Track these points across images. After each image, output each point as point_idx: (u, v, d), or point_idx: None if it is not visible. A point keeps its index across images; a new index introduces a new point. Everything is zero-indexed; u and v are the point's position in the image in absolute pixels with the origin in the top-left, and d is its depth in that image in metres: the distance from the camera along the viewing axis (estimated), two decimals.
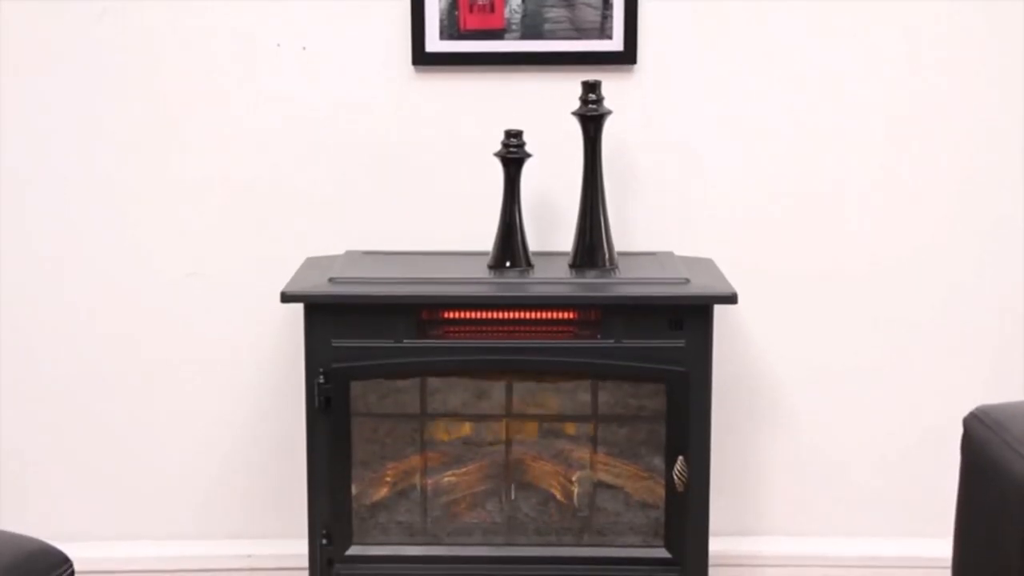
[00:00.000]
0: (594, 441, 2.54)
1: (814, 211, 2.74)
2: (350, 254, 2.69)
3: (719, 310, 2.59)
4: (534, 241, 2.61)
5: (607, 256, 2.53)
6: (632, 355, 2.40)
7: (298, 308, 2.43)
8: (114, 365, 2.77)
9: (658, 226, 2.74)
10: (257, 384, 2.78)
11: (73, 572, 1.77)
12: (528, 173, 2.56)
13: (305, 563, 2.52)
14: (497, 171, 2.53)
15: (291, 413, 2.71)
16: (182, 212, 2.73)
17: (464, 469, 2.55)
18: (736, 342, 2.76)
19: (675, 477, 2.41)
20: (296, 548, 2.68)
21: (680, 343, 2.40)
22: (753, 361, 2.78)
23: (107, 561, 2.77)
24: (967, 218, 2.74)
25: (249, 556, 2.80)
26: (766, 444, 2.81)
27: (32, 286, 2.75)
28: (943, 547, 2.19)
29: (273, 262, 2.68)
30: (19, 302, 2.75)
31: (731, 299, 2.39)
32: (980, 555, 1.49)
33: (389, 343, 2.40)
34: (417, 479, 2.54)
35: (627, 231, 2.71)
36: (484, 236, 2.58)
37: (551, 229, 2.72)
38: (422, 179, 2.73)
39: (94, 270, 2.75)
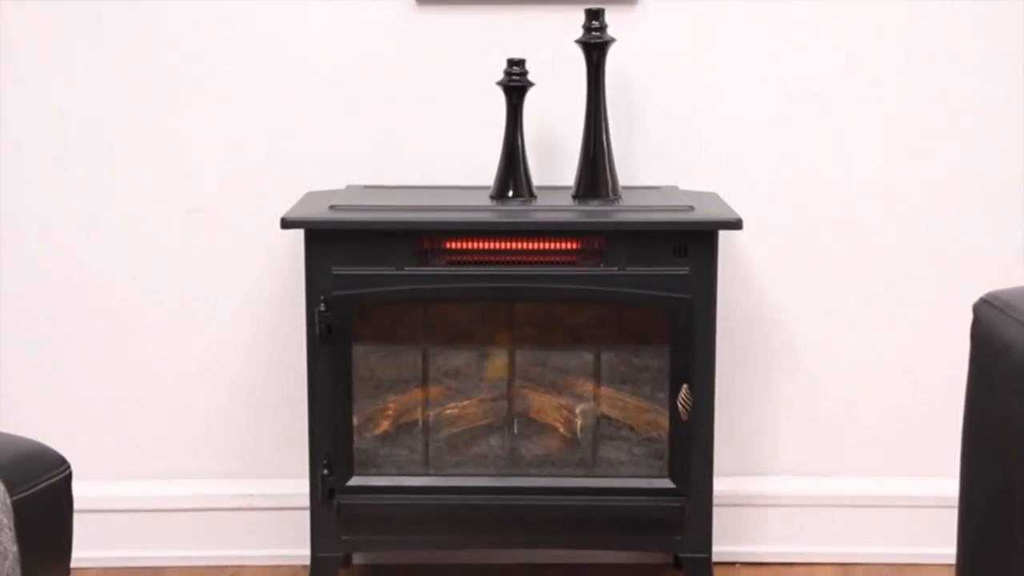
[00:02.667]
0: (597, 375, 2.51)
1: (821, 144, 2.72)
2: (351, 188, 2.67)
3: (724, 246, 2.57)
4: (537, 178, 2.59)
5: (610, 186, 2.51)
6: (636, 283, 2.38)
7: (299, 245, 2.41)
8: (114, 304, 2.75)
9: (662, 161, 2.71)
10: (258, 322, 2.76)
11: (70, 474, 1.75)
12: (530, 110, 2.54)
13: (306, 503, 2.50)
14: (500, 109, 2.51)
15: (292, 352, 2.69)
16: (183, 149, 2.71)
17: (466, 403, 2.53)
18: (740, 279, 2.74)
19: (679, 406, 2.39)
20: (296, 487, 2.67)
21: (684, 270, 2.37)
22: (757, 298, 2.76)
23: (106, 500, 2.75)
24: (974, 149, 2.71)
25: (249, 495, 2.78)
26: (771, 383, 2.79)
27: (32, 225, 2.73)
28: (950, 486, 2.17)
29: (274, 197, 2.66)
30: (18, 241, 2.73)
31: (736, 224, 2.36)
32: (990, 443, 1.47)
33: (390, 271, 2.38)
34: (419, 412, 2.52)
35: (631, 166, 2.69)
36: (487, 173, 2.56)
37: (554, 167, 2.70)
38: (424, 115, 2.71)
39: (96, 208, 2.73)
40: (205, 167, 2.72)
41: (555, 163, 2.70)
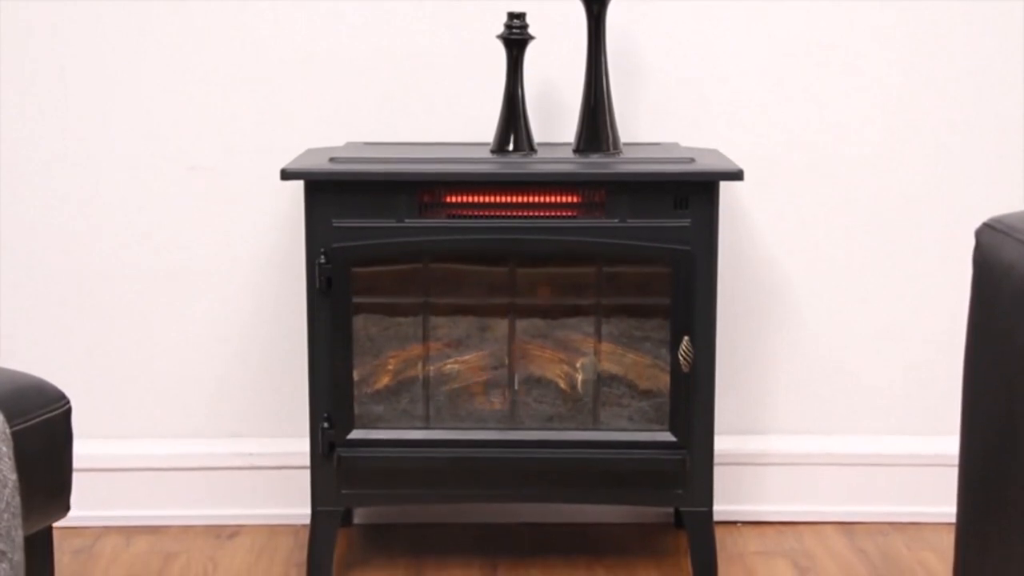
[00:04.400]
0: (598, 329, 2.51)
1: (822, 101, 2.71)
2: (351, 144, 2.66)
3: (726, 205, 2.57)
4: (537, 136, 2.58)
5: (611, 140, 2.50)
6: (637, 235, 2.38)
7: (300, 204, 2.41)
8: (114, 263, 2.75)
9: (663, 119, 2.71)
10: (259, 281, 2.76)
11: (70, 409, 1.75)
12: (531, 68, 2.53)
13: (306, 462, 2.50)
14: (500, 64, 2.50)
15: (293, 311, 2.69)
16: (183, 107, 2.71)
17: (466, 357, 2.53)
18: (741, 238, 2.73)
19: (680, 358, 2.38)
20: (297, 446, 2.66)
21: (685, 222, 2.37)
22: (758, 257, 2.75)
23: (106, 459, 2.75)
24: (979, 106, 2.71)
25: (250, 454, 2.77)
26: (772, 341, 2.78)
27: (33, 184, 2.72)
28: (952, 444, 2.17)
29: (274, 155, 2.65)
30: (20, 199, 2.73)
31: (737, 175, 2.36)
32: (992, 367, 1.46)
33: (391, 223, 2.37)
34: (419, 368, 2.51)
35: (632, 124, 2.69)
36: (488, 130, 2.56)
37: (554, 125, 2.70)
38: (425, 72, 2.70)
39: (94, 168, 2.72)
40: (205, 125, 2.71)
41: (556, 121, 2.70)
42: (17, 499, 1.54)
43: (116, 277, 2.75)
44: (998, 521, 1.65)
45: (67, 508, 1.75)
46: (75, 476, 1.96)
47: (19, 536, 1.53)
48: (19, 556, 1.52)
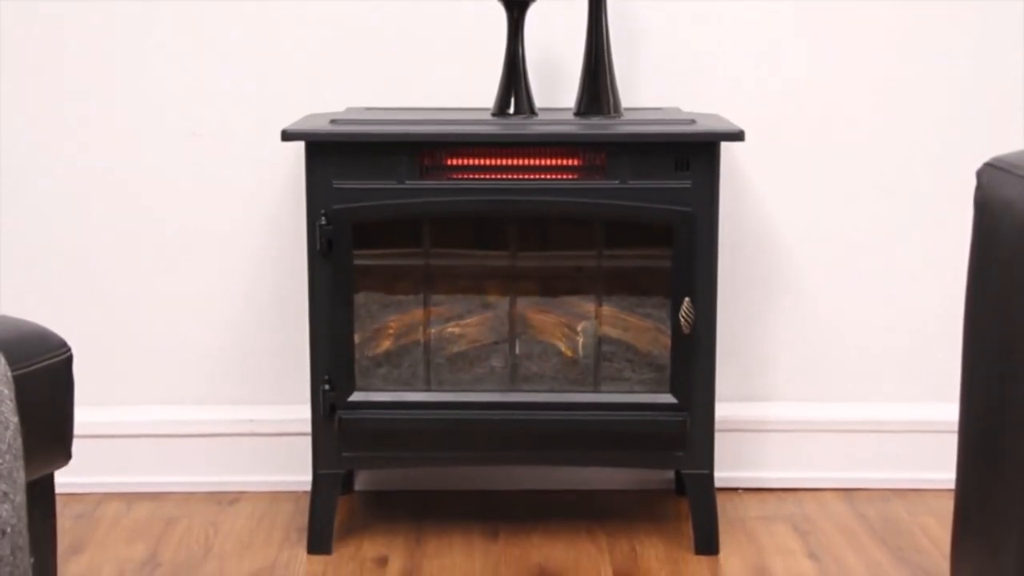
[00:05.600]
0: (599, 292, 2.51)
1: (826, 68, 2.71)
2: (352, 109, 2.66)
3: (727, 170, 2.57)
4: (538, 101, 2.58)
5: (612, 103, 2.50)
6: (638, 196, 2.38)
7: (300, 168, 2.41)
8: (114, 230, 2.75)
9: (664, 83, 2.71)
10: (259, 248, 2.76)
11: (71, 357, 1.75)
12: (532, 36, 2.53)
13: (307, 428, 2.50)
14: (501, 33, 2.50)
15: (294, 278, 2.69)
16: (183, 73, 2.71)
17: (467, 321, 2.53)
18: (742, 203, 2.73)
19: (681, 319, 2.38)
20: (298, 413, 2.67)
21: (686, 184, 2.37)
22: (759, 222, 2.75)
23: (107, 426, 2.75)
24: (983, 77, 2.71)
25: (251, 421, 2.77)
26: (772, 308, 2.78)
27: (34, 152, 2.72)
28: (953, 411, 2.16)
29: (274, 121, 2.65)
30: (20, 166, 2.73)
31: (738, 136, 2.35)
32: (993, 304, 1.45)
33: (391, 184, 2.37)
34: (420, 332, 2.51)
35: (633, 88, 2.69)
36: (489, 97, 2.56)
37: (555, 92, 2.70)
38: (425, 37, 2.70)
39: (95, 135, 2.72)
40: (205, 92, 2.71)
41: (557, 88, 2.70)
42: (19, 441, 1.53)
43: (116, 244, 2.75)
44: (997, 468, 1.65)
45: (68, 456, 1.75)
46: (76, 443, 1.95)
47: (21, 478, 1.52)
48: (21, 497, 1.52)
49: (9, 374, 1.56)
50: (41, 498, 1.68)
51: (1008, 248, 1.38)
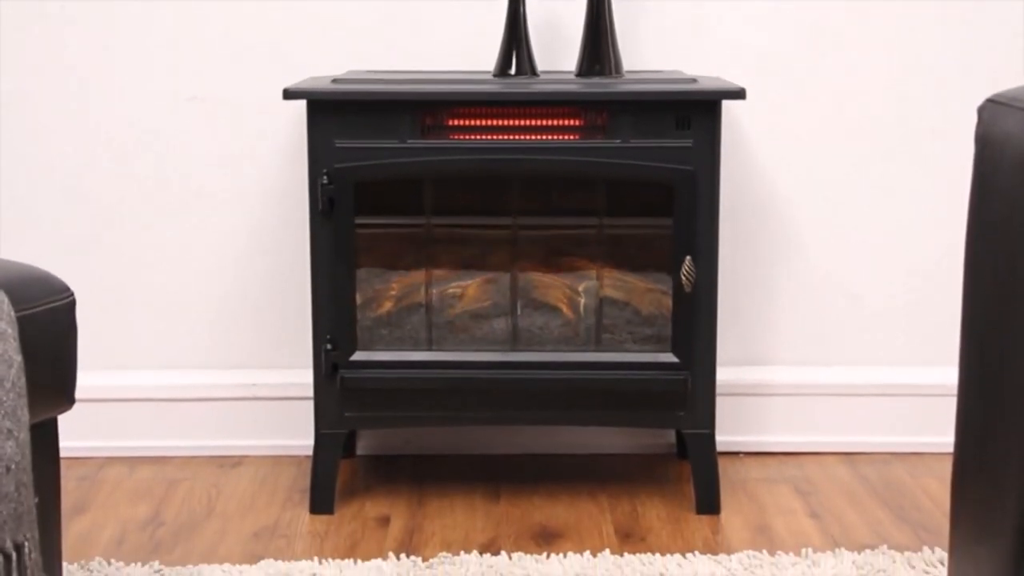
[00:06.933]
0: (600, 253, 2.51)
1: (830, 33, 2.71)
2: (353, 72, 2.67)
3: (729, 132, 2.57)
4: (539, 65, 2.58)
5: (613, 63, 2.51)
6: (639, 156, 2.38)
7: (302, 131, 2.42)
8: (115, 195, 2.75)
9: (666, 46, 2.71)
10: (261, 212, 2.76)
11: (74, 301, 1.75)
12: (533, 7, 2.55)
13: (309, 392, 2.50)
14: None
15: (296, 242, 2.69)
16: (183, 37, 2.71)
17: (469, 282, 2.53)
18: (743, 165, 2.73)
19: (683, 278, 2.38)
20: (300, 377, 2.68)
21: (687, 143, 2.37)
22: (761, 183, 2.75)
23: (110, 390, 2.75)
24: (984, 38, 2.71)
25: (253, 385, 2.78)
26: (774, 271, 2.78)
27: (35, 116, 2.72)
28: (954, 375, 2.17)
29: (275, 84, 2.64)
30: (19, 133, 2.73)
31: (739, 94, 2.35)
32: (993, 237, 1.45)
33: (393, 143, 2.38)
34: (422, 293, 2.51)
35: (635, 52, 2.69)
36: (490, 61, 2.56)
37: (557, 57, 2.70)
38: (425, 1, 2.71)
39: (94, 100, 2.72)
40: (205, 56, 2.71)
41: (558, 52, 2.70)
42: (23, 380, 1.54)
43: (118, 208, 2.75)
44: (997, 402, 1.64)
45: (71, 401, 1.75)
46: (79, 407, 1.95)
47: (25, 415, 1.53)
48: (25, 435, 1.52)
49: (13, 314, 1.57)
50: (45, 441, 1.68)
51: (1007, 178, 1.39)
